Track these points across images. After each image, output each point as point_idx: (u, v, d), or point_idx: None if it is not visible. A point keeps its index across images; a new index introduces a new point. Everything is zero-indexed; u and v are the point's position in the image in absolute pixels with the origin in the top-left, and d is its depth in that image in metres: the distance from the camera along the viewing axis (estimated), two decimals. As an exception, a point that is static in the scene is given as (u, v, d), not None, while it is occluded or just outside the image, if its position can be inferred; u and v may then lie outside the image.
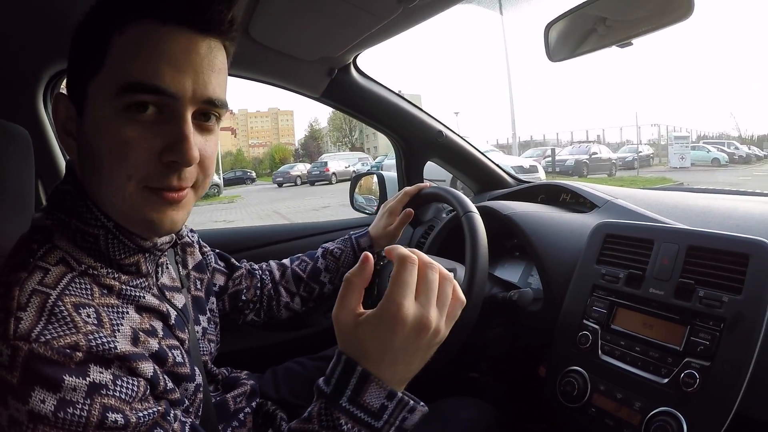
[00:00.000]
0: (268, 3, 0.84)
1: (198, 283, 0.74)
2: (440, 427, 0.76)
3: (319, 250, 1.01)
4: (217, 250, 0.90)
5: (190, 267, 0.75)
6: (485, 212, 0.87)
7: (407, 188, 1.03)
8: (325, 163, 24.86)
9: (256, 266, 0.96)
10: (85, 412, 0.40)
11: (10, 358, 0.39)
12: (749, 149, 21.73)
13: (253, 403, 0.79)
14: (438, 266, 0.47)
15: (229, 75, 0.54)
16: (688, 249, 0.69)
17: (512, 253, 1.08)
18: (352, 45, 1.03)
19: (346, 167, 23.68)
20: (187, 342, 0.59)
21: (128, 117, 0.46)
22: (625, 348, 0.69)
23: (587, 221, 0.91)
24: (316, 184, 22.71)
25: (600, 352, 0.71)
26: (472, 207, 0.80)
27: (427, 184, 1.03)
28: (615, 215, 0.91)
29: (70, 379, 0.40)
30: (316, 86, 1.20)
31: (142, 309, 0.53)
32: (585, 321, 0.75)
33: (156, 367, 0.48)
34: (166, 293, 0.61)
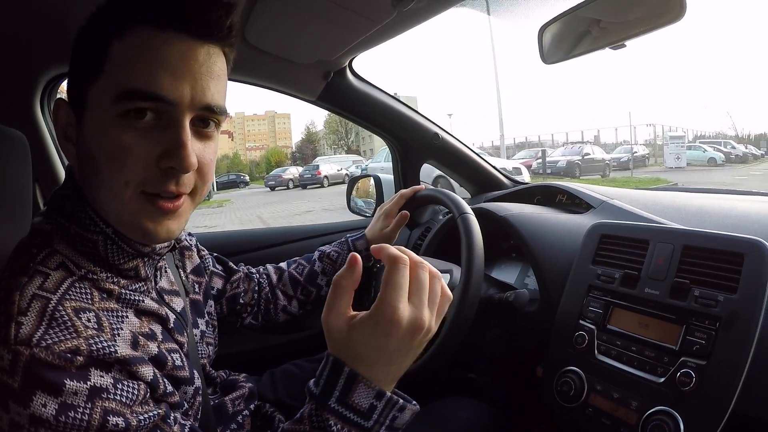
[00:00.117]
0: (264, 7, 0.84)
1: (196, 286, 0.75)
2: (438, 427, 0.76)
3: (316, 253, 1.01)
4: (215, 254, 0.91)
5: (188, 271, 0.75)
6: (481, 214, 0.87)
7: (403, 191, 1.04)
8: (317, 166, 24.58)
9: (253, 270, 0.96)
10: (86, 415, 0.40)
11: (11, 363, 0.39)
12: (746, 148, 21.55)
13: (252, 406, 0.79)
14: (428, 264, 0.47)
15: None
16: (683, 249, 0.69)
17: (509, 255, 1.09)
18: (348, 48, 1.03)
19: (338, 170, 23.44)
20: (186, 345, 0.60)
21: (126, 123, 0.46)
22: (622, 348, 0.69)
23: (583, 222, 0.92)
24: (308, 187, 22.53)
25: (596, 352, 0.72)
26: (468, 209, 0.81)
27: (422, 186, 1.03)
28: (610, 216, 0.92)
29: (71, 383, 0.40)
30: (313, 90, 1.21)
31: (142, 313, 0.53)
32: (581, 321, 0.75)
33: (156, 370, 0.48)
34: (165, 297, 0.61)
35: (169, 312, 0.58)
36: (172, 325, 0.57)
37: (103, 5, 0.49)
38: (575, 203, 1.10)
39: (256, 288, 0.94)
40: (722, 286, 0.63)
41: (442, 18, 0.93)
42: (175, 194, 0.49)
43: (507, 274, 1.05)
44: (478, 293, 0.73)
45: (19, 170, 0.70)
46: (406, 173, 1.39)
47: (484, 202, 1.18)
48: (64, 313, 0.43)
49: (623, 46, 0.79)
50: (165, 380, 0.50)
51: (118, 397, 0.42)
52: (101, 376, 0.42)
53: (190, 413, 0.57)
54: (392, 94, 1.30)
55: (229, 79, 0.54)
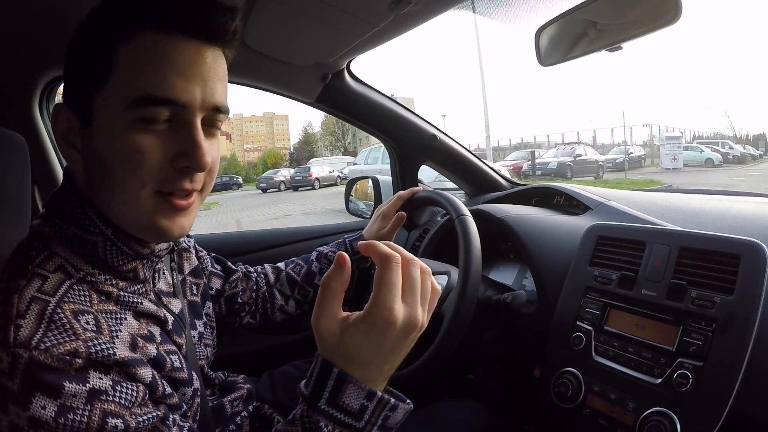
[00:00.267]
0: (262, 10, 0.85)
1: (194, 288, 0.75)
2: (437, 428, 0.76)
3: (314, 254, 1.01)
4: (213, 254, 0.91)
5: (186, 272, 0.75)
6: (479, 215, 0.87)
7: (401, 192, 1.04)
8: (308, 168, 24.14)
9: (251, 269, 0.97)
10: (86, 417, 0.40)
11: (11, 366, 0.40)
12: (744, 149, 21.24)
13: (250, 407, 0.79)
14: (418, 261, 0.46)
15: None
16: (680, 250, 0.70)
17: (506, 256, 1.09)
18: (346, 51, 1.03)
19: (330, 172, 23.05)
20: (184, 347, 0.60)
21: (140, 127, 0.47)
22: (619, 349, 0.70)
23: (580, 223, 0.92)
24: (299, 189, 21.99)
25: (593, 353, 0.72)
26: (465, 210, 0.81)
27: (420, 188, 1.04)
28: (608, 217, 0.92)
29: (70, 385, 0.40)
30: (311, 92, 1.21)
31: (140, 315, 0.53)
32: (578, 322, 0.76)
33: (154, 372, 0.48)
34: (163, 299, 0.61)
35: (167, 314, 0.58)
36: (170, 326, 0.57)
37: (105, 9, 0.48)
38: (573, 205, 1.11)
39: (254, 287, 0.94)
40: (719, 288, 0.64)
41: (437, 19, 0.94)
42: (188, 192, 0.51)
43: (505, 276, 1.05)
44: (476, 294, 0.73)
45: (18, 172, 0.70)
46: (404, 175, 1.39)
47: (482, 203, 1.18)
48: (62, 315, 0.43)
49: (620, 48, 0.79)
50: (164, 382, 0.50)
51: (117, 399, 0.43)
52: (100, 378, 0.42)
53: (188, 415, 0.57)
54: (389, 95, 1.31)
55: (228, 81, 0.54)
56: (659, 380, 0.63)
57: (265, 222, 10.83)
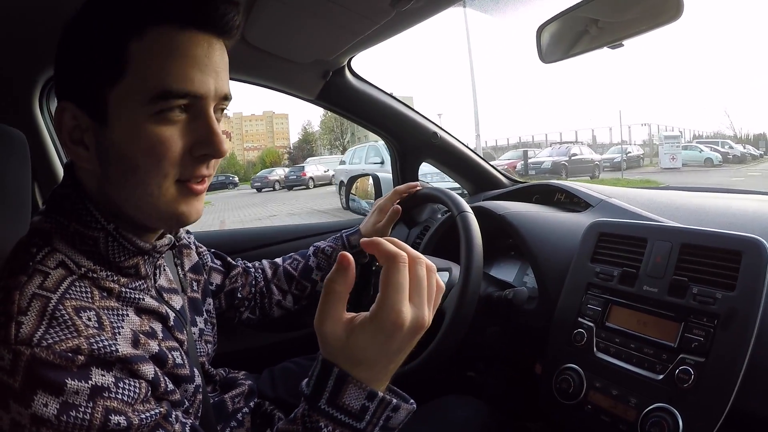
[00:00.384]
0: (263, 7, 0.85)
1: (194, 284, 0.75)
2: (438, 425, 0.76)
3: (311, 249, 1.02)
4: (213, 250, 0.91)
5: (187, 269, 0.75)
6: (480, 212, 0.87)
7: (397, 187, 1.05)
8: (302, 167, 23.84)
9: (249, 264, 0.98)
10: (88, 415, 0.40)
11: (12, 363, 0.39)
12: (744, 148, 21.08)
13: (251, 403, 0.80)
14: (424, 259, 0.45)
15: None
16: (681, 247, 0.70)
17: (507, 253, 1.09)
18: (347, 48, 1.04)
19: (325, 171, 22.43)
20: (185, 343, 0.60)
21: (161, 119, 0.48)
22: (620, 345, 0.70)
23: (581, 220, 0.92)
24: (294, 188, 21.74)
25: (595, 349, 0.72)
26: (467, 207, 0.81)
27: (417, 183, 1.05)
28: (609, 214, 0.92)
29: (73, 382, 0.40)
30: (311, 89, 1.21)
31: (142, 311, 0.53)
32: (580, 319, 0.76)
33: (156, 368, 0.48)
34: (164, 295, 0.61)
35: (168, 310, 0.58)
36: (172, 323, 0.57)
37: (113, 4, 0.48)
38: (573, 202, 1.11)
39: (253, 282, 0.95)
40: (720, 284, 0.64)
41: (435, 17, 0.93)
42: (204, 177, 0.53)
43: (505, 273, 1.05)
44: (478, 291, 0.74)
45: (19, 169, 0.70)
46: (404, 172, 1.39)
47: (483, 200, 1.18)
48: (64, 312, 0.43)
49: (621, 45, 0.79)
50: (166, 378, 0.50)
51: (120, 396, 0.43)
52: (102, 375, 0.42)
53: (190, 411, 0.57)
54: (389, 93, 1.31)
55: (229, 78, 0.55)
56: (661, 376, 0.64)
57: (248, 223, 10.70)
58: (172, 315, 0.58)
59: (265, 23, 0.90)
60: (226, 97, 0.53)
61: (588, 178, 15.25)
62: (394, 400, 0.45)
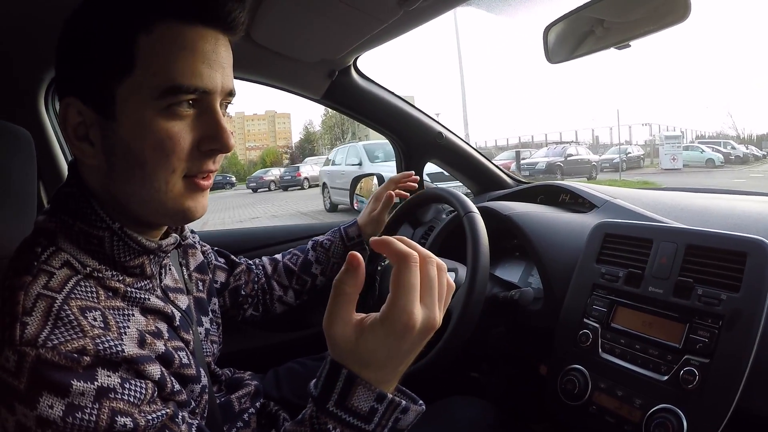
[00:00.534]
0: (270, 6, 0.85)
1: (200, 284, 0.75)
2: (442, 426, 0.76)
3: (309, 243, 1.03)
4: (216, 248, 0.92)
5: (192, 268, 0.75)
6: (485, 212, 0.87)
7: (393, 176, 1.07)
8: (297, 167, 23.53)
9: (251, 261, 0.98)
10: (94, 416, 0.40)
11: (17, 364, 0.39)
12: (747, 149, 20.77)
13: (257, 404, 0.80)
14: (435, 258, 0.44)
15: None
16: (686, 248, 0.70)
17: (512, 254, 1.09)
18: (353, 47, 1.04)
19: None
20: (191, 343, 0.60)
21: (169, 114, 0.48)
22: (625, 346, 0.70)
23: (586, 221, 0.92)
24: (289, 189, 21.28)
25: (600, 350, 0.72)
26: (473, 207, 0.81)
27: (412, 172, 1.08)
28: (614, 215, 0.92)
29: (78, 383, 0.40)
30: (317, 88, 1.21)
31: (148, 311, 0.53)
32: (585, 320, 0.76)
33: (163, 369, 0.48)
34: (170, 295, 0.61)
35: (174, 310, 0.57)
36: (177, 322, 0.57)
37: (119, 0, 0.47)
38: (578, 203, 1.11)
39: (256, 279, 0.95)
40: (725, 285, 0.64)
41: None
42: (209, 172, 0.53)
43: (510, 273, 1.05)
44: (484, 291, 0.73)
45: (25, 167, 0.70)
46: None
47: (488, 201, 1.18)
48: (69, 312, 0.42)
49: (628, 46, 0.79)
50: (172, 379, 0.50)
51: (126, 397, 0.42)
52: (108, 376, 0.42)
53: (197, 412, 0.57)
54: (394, 93, 1.31)
55: (234, 77, 0.55)
56: (666, 377, 0.64)
57: (230, 225, 10.57)
58: (177, 315, 0.58)
59: (272, 22, 0.90)
60: (231, 93, 0.53)
61: (585, 179, 14.80)
62: (403, 402, 0.44)
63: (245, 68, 1.09)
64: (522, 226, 0.92)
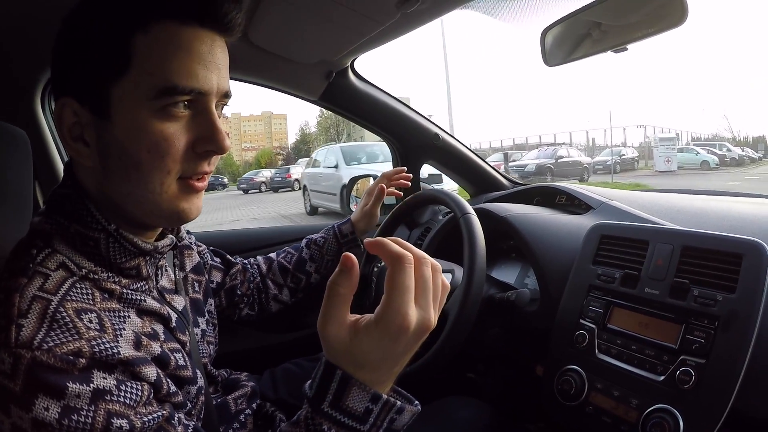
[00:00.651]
0: (268, 7, 0.85)
1: (196, 285, 0.75)
2: (439, 426, 0.76)
3: (304, 241, 1.04)
4: (212, 248, 0.91)
5: (188, 269, 0.75)
6: (482, 214, 0.88)
7: (386, 171, 1.09)
8: (288, 169, 23.36)
9: (246, 261, 0.99)
10: (90, 418, 0.40)
11: (12, 366, 0.39)
12: (742, 151, 20.78)
13: (254, 405, 0.79)
14: (429, 258, 0.44)
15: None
16: (682, 249, 0.70)
17: (508, 255, 1.09)
18: (351, 49, 1.04)
19: None
20: (188, 344, 0.59)
21: (164, 115, 0.48)
22: (622, 347, 0.70)
23: (583, 222, 0.92)
24: (279, 190, 21.12)
25: (597, 350, 0.72)
26: (470, 209, 0.81)
27: (404, 169, 1.09)
28: (610, 217, 0.93)
29: (74, 385, 0.39)
30: (314, 89, 1.21)
31: (143, 312, 0.52)
32: (582, 320, 0.76)
33: (159, 370, 0.48)
34: (166, 296, 0.61)
35: (170, 311, 0.57)
36: (174, 324, 0.57)
37: (115, 0, 0.47)
38: (574, 204, 1.11)
39: (251, 278, 0.96)
40: (721, 286, 0.64)
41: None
42: (204, 174, 0.53)
43: (507, 274, 1.05)
44: (481, 292, 0.74)
45: (21, 168, 0.70)
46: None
47: (484, 202, 1.19)
48: (65, 314, 0.42)
49: (625, 49, 0.80)
50: (168, 380, 0.49)
51: (122, 399, 0.42)
52: (104, 378, 0.42)
53: (193, 413, 0.57)
54: (391, 95, 1.31)
55: (231, 78, 0.55)
56: (662, 377, 0.64)
57: (212, 228, 10.38)
58: (174, 316, 0.58)
59: (269, 23, 0.90)
60: (227, 95, 0.53)
61: (576, 181, 14.47)
62: (398, 402, 0.44)
63: (242, 69, 1.09)
64: (518, 228, 0.92)
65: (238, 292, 0.92)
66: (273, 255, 1.02)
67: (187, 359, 0.56)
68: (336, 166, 8.48)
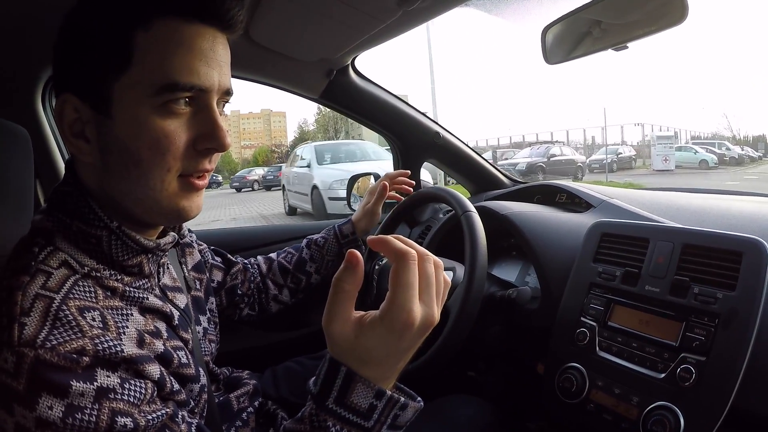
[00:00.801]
0: (269, 5, 0.84)
1: (197, 283, 0.75)
2: (440, 424, 0.77)
3: (304, 241, 1.04)
4: (213, 247, 0.91)
5: (190, 267, 0.75)
6: (483, 212, 0.88)
7: (388, 172, 1.09)
8: (280, 167, 22.35)
9: (247, 261, 0.99)
10: (94, 417, 0.40)
11: (16, 365, 0.39)
12: (742, 150, 20.60)
13: (256, 403, 0.80)
14: (431, 256, 0.45)
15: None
16: (683, 247, 0.70)
17: (509, 253, 1.09)
18: (352, 47, 1.04)
19: None
20: (190, 342, 0.59)
21: (165, 112, 0.48)
22: (622, 344, 0.70)
23: (583, 221, 0.93)
24: (272, 189, 20.25)
25: (597, 348, 0.73)
26: (471, 207, 0.82)
27: (408, 172, 1.10)
28: (610, 215, 0.93)
29: (78, 384, 0.39)
30: (315, 87, 1.21)
31: (146, 310, 0.52)
32: (582, 318, 0.76)
33: (162, 368, 0.48)
34: (168, 294, 0.60)
35: (173, 309, 0.57)
36: (176, 322, 0.57)
37: None
38: (575, 202, 1.11)
39: (252, 278, 0.96)
40: (721, 284, 0.64)
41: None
42: (205, 172, 0.53)
43: (507, 272, 1.05)
44: (482, 290, 0.74)
45: (22, 166, 0.69)
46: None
47: (485, 200, 1.19)
48: (68, 312, 0.42)
49: (625, 47, 0.80)
50: (171, 378, 0.49)
51: (126, 397, 0.42)
52: (108, 376, 0.42)
53: (196, 411, 0.57)
54: (392, 92, 1.31)
55: (232, 76, 0.55)
56: (663, 375, 0.64)
57: (191, 227, 10.23)
58: (176, 314, 0.58)
59: (271, 21, 0.90)
60: (228, 92, 0.53)
61: (570, 180, 14.33)
62: (402, 399, 0.44)
63: (243, 67, 1.09)
64: (519, 226, 0.92)
65: (239, 292, 0.92)
66: (273, 255, 1.02)
67: (189, 357, 0.56)
68: (308, 165, 8.09)
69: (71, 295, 0.44)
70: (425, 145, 1.36)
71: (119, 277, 0.51)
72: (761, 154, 21.41)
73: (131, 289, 0.51)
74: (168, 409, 0.46)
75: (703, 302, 0.64)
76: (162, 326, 0.54)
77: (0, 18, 0.85)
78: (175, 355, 0.52)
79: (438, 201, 1.05)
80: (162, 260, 0.59)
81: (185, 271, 0.73)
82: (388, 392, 0.43)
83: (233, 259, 0.94)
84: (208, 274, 0.81)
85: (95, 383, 0.40)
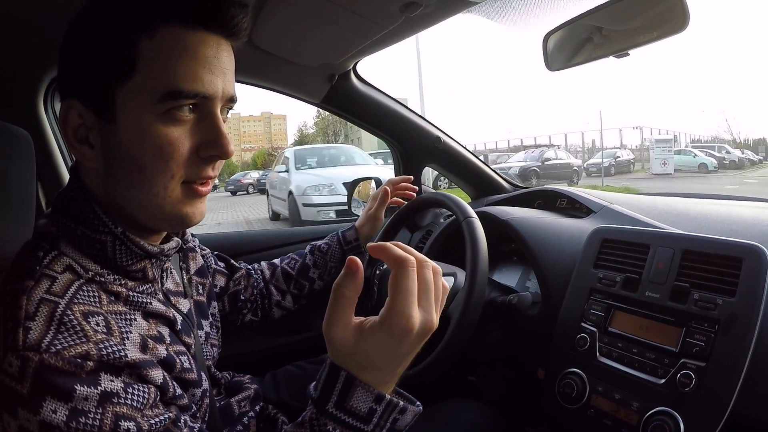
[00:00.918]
0: (272, 10, 0.85)
1: (200, 287, 0.75)
2: (440, 428, 0.77)
3: (308, 248, 1.04)
4: (216, 252, 0.91)
5: (192, 272, 0.75)
6: (484, 217, 0.88)
7: (391, 178, 1.10)
8: None
9: (250, 266, 0.98)
10: (98, 421, 0.40)
11: (20, 369, 0.39)
12: (742, 153, 20.43)
13: (257, 407, 0.80)
14: (430, 262, 0.45)
15: None
16: (683, 253, 0.71)
17: (510, 258, 1.10)
18: (354, 52, 1.04)
19: None
20: (193, 347, 0.60)
21: (169, 119, 0.48)
22: (623, 350, 0.71)
23: (584, 226, 0.93)
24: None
25: (598, 354, 0.73)
26: (472, 212, 0.82)
27: (411, 177, 1.10)
28: (611, 220, 0.93)
29: (82, 388, 0.40)
30: (317, 92, 1.22)
31: (149, 315, 0.53)
32: (583, 324, 0.77)
33: (165, 373, 0.48)
34: (171, 298, 0.61)
35: (176, 314, 0.57)
36: (179, 326, 0.57)
37: (124, 3, 0.47)
38: (575, 208, 1.12)
39: (255, 284, 0.95)
40: (721, 290, 0.65)
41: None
42: (208, 179, 0.53)
43: (508, 278, 1.06)
44: (483, 295, 0.74)
45: (24, 169, 0.70)
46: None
47: (485, 206, 1.19)
48: (72, 317, 0.42)
49: (626, 54, 0.80)
50: (174, 383, 0.50)
51: (129, 402, 0.42)
52: (111, 381, 0.42)
53: (197, 415, 0.57)
54: (393, 97, 1.31)
55: (235, 81, 0.55)
56: (663, 380, 0.64)
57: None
58: (179, 319, 0.58)
59: (273, 26, 0.91)
60: (232, 99, 0.53)
61: (565, 185, 13.80)
62: (401, 403, 0.45)
63: (245, 72, 1.10)
64: (520, 231, 0.92)
65: (242, 298, 0.92)
66: (277, 261, 1.02)
67: (192, 362, 0.56)
68: (287, 170, 7.81)
69: (76, 300, 0.44)
70: (426, 150, 1.37)
71: (123, 282, 0.51)
72: (761, 158, 21.27)
73: (135, 293, 0.51)
74: (170, 414, 0.46)
75: (703, 308, 0.65)
76: (165, 331, 0.54)
77: (2, 20, 0.86)
78: (177, 360, 0.52)
79: (439, 206, 1.05)
80: (165, 265, 0.59)
81: (188, 275, 0.73)
82: (388, 396, 0.44)
83: (237, 264, 0.94)
84: (210, 279, 0.81)
85: (99, 387, 0.41)
